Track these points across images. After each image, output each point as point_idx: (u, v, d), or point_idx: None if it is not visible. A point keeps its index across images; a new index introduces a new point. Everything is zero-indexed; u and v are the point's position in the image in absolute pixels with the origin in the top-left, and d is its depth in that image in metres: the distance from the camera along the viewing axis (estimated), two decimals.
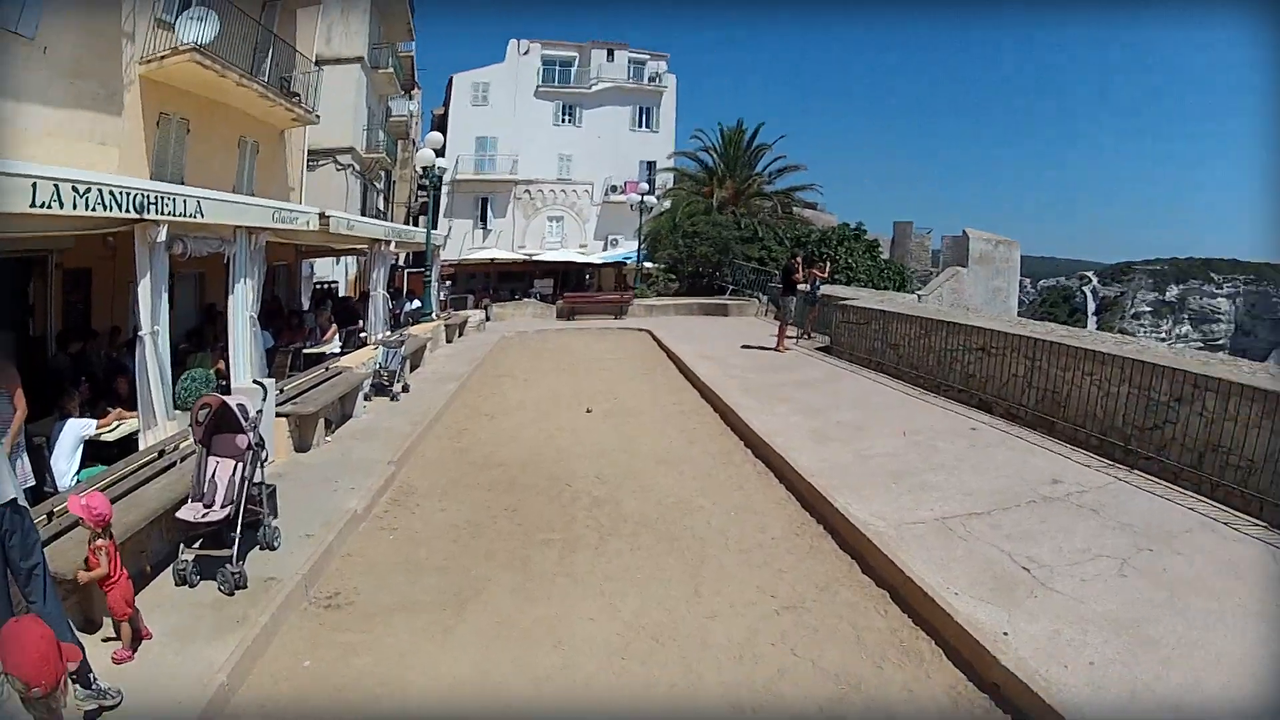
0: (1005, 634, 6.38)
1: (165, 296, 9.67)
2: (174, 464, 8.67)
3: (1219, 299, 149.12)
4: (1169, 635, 6.28)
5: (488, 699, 6.14)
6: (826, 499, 9.77)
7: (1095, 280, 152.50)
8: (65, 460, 9.24)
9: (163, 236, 9.31)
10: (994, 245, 41.94)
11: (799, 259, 23.94)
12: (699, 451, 12.94)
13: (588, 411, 15.59)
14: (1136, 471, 10.43)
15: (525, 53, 60.28)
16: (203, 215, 10.04)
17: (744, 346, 22.72)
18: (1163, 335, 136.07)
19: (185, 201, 9.66)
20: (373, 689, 6.20)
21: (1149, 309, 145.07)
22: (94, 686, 5.23)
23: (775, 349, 21.93)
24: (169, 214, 9.27)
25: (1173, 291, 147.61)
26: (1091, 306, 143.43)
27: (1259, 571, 7.42)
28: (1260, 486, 8.85)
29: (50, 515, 6.89)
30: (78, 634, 5.60)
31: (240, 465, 7.67)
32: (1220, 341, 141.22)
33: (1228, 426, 9.40)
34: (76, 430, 9.44)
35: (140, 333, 9.35)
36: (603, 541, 9.25)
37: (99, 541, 5.93)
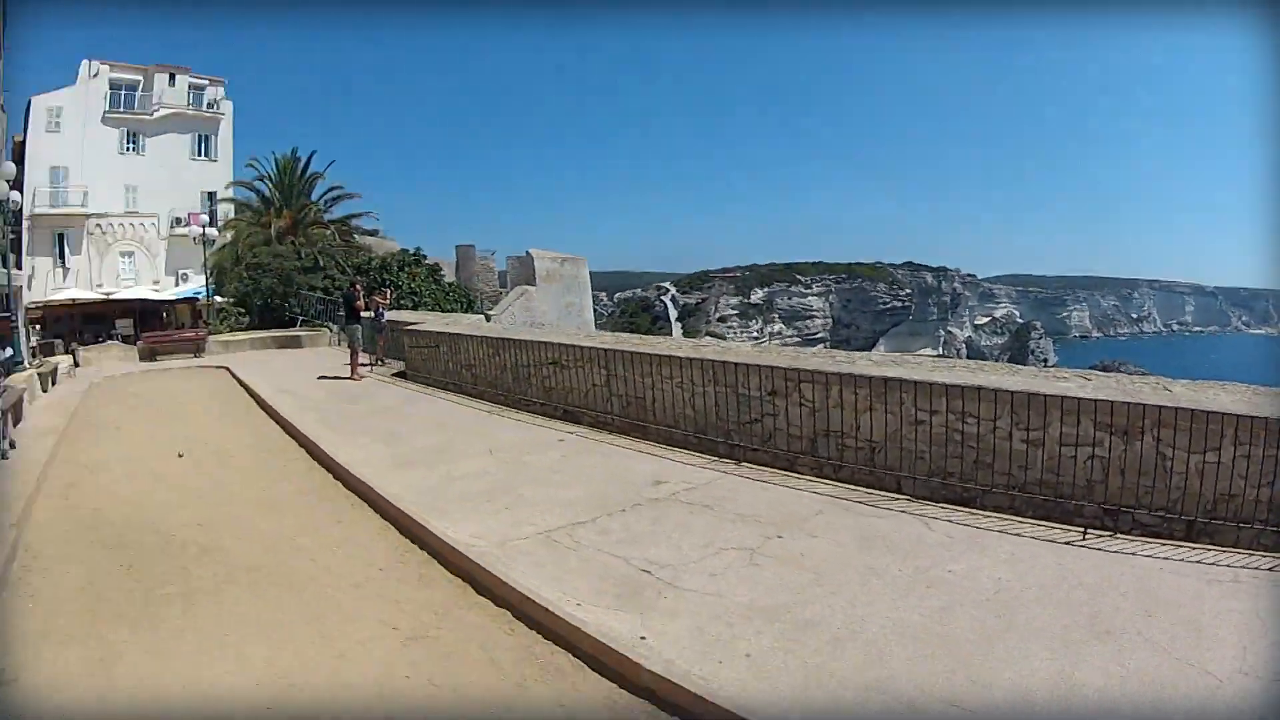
0: (643, 638, 6.66)
1: None
2: None
3: (810, 298, 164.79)
4: (830, 615, 6.80)
5: None
6: (423, 525, 9.92)
7: (673, 289, 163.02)
8: None
9: None
10: (560, 263, 44.10)
11: (359, 286, 24.86)
12: (290, 489, 12.74)
13: (179, 456, 15.15)
14: (745, 465, 11.27)
15: (95, 75, 56.30)
16: None
17: (320, 378, 22.97)
18: (755, 335, 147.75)
19: None
20: None
21: (735, 312, 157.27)
22: None
23: (350, 378, 22.34)
24: None
25: (758, 294, 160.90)
26: (673, 314, 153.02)
27: (911, 542, 8.25)
28: (889, 463, 9.91)
29: None
30: None
31: None
32: (819, 335, 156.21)
33: (835, 414, 10.42)
34: None
35: None
36: (219, 590, 8.92)
37: None
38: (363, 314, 23.79)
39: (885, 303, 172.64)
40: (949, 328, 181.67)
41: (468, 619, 7.91)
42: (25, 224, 51.05)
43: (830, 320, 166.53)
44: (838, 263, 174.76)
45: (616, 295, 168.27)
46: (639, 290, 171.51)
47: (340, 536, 10.51)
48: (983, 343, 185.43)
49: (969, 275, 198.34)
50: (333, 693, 6.79)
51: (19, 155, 51.17)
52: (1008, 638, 6.17)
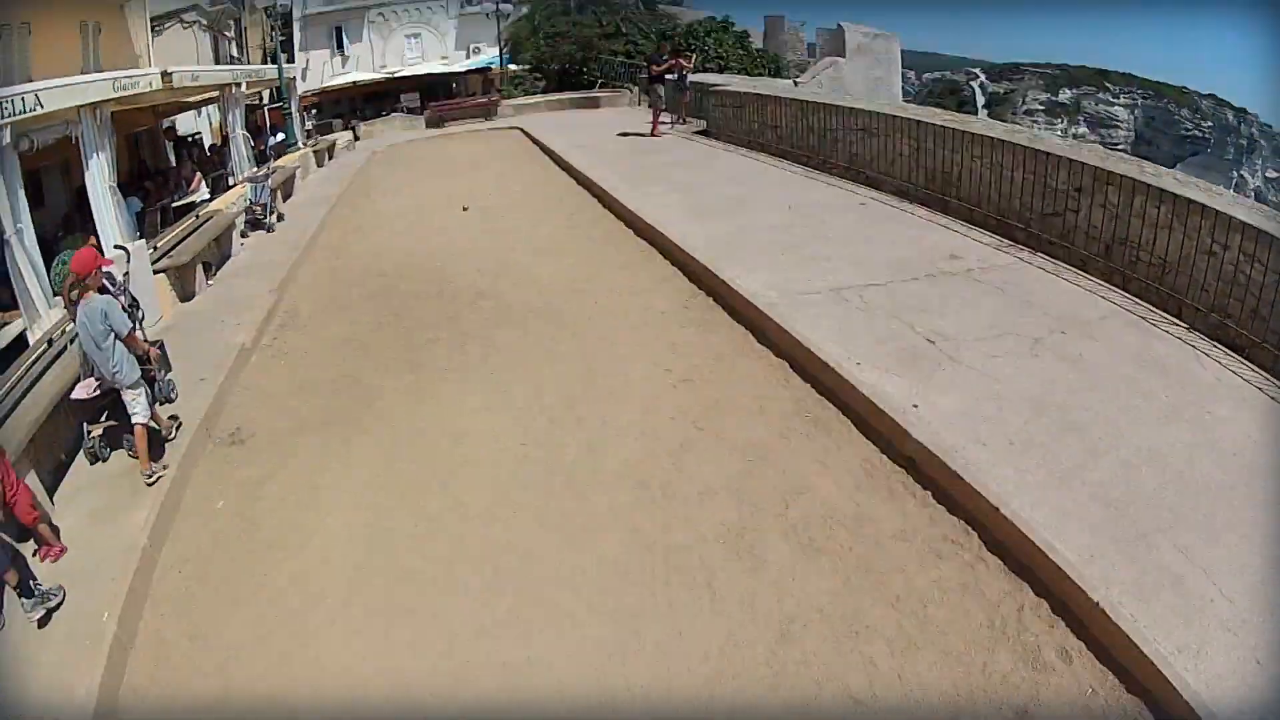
0: (915, 406, 6.82)
1: (21, 195, 9.98)
2: (65, 348, 8.62)
3: (1116, 107, 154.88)
4: (1094, 423, 6.69)
5: (394, 506, 6.46)
6: (713, 272, 10.19)
7: (983, 77, 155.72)
8: None
9: (6, 139, 9.61)
10: (871, 38, 42.56)
11: (666, 48, 24.30)
12: (579, 237, 13.27)
13: (464, 210, 15.95)
14: (1040, 254, 10.88)
15: None
16: (43, 106, 10.31)
17: (619, 134, 23.03)
18: (1059, 133, 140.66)
19: (22, 99, 9.91)
20: (285, 517, 6.53)
21: (1041, 108, 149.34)
22: (37, 593, 5.50)
23: (650, 134, 22.37)
24: (8, 115, 9.56)
25: (1066, 94, 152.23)
26: (981, 100, 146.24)
27: (1181, 372, 7.87)
28: (1176, 286, 9.41)
29: None
30: (14, 546, 5.85)
31: None
32: (1120, 147, 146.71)
33: (1134, 223, 9.92)
34: None
35: (4, 236, 9.64)
36: (490, 333, 9.57)
37: None
38: (666, 76, 23.47)
39: (1187, 130, 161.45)
40: (1242, 172, 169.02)
41: (744, 367, 8.24)
42: (297, 24, 53.36)
43: (1132, 135, 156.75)
44: (1146, 79, 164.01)
45: (925, 76, 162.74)
46: (947, 73, 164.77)
47: (624, 282, 10.94)
48: (1270, 198, 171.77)
49: (1267, 125, 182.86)
50: (590, 431, 7.23)
51: None
52: (1237, 498, 5.85)
